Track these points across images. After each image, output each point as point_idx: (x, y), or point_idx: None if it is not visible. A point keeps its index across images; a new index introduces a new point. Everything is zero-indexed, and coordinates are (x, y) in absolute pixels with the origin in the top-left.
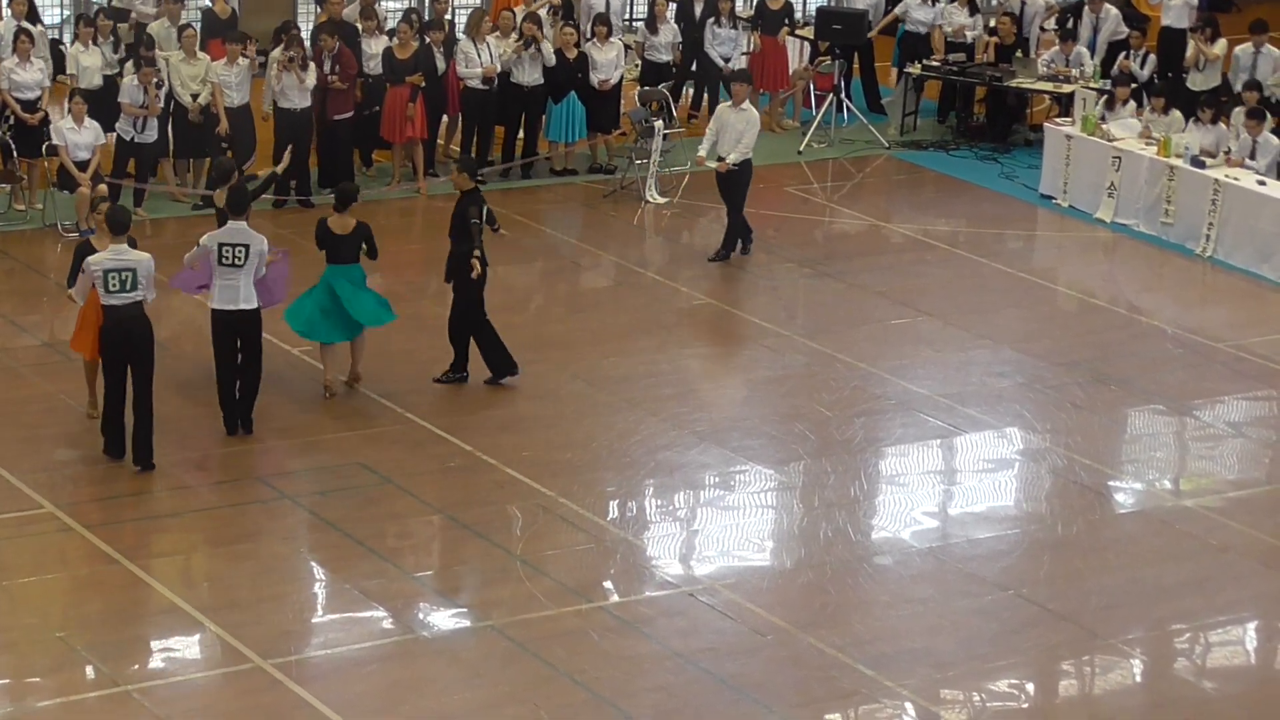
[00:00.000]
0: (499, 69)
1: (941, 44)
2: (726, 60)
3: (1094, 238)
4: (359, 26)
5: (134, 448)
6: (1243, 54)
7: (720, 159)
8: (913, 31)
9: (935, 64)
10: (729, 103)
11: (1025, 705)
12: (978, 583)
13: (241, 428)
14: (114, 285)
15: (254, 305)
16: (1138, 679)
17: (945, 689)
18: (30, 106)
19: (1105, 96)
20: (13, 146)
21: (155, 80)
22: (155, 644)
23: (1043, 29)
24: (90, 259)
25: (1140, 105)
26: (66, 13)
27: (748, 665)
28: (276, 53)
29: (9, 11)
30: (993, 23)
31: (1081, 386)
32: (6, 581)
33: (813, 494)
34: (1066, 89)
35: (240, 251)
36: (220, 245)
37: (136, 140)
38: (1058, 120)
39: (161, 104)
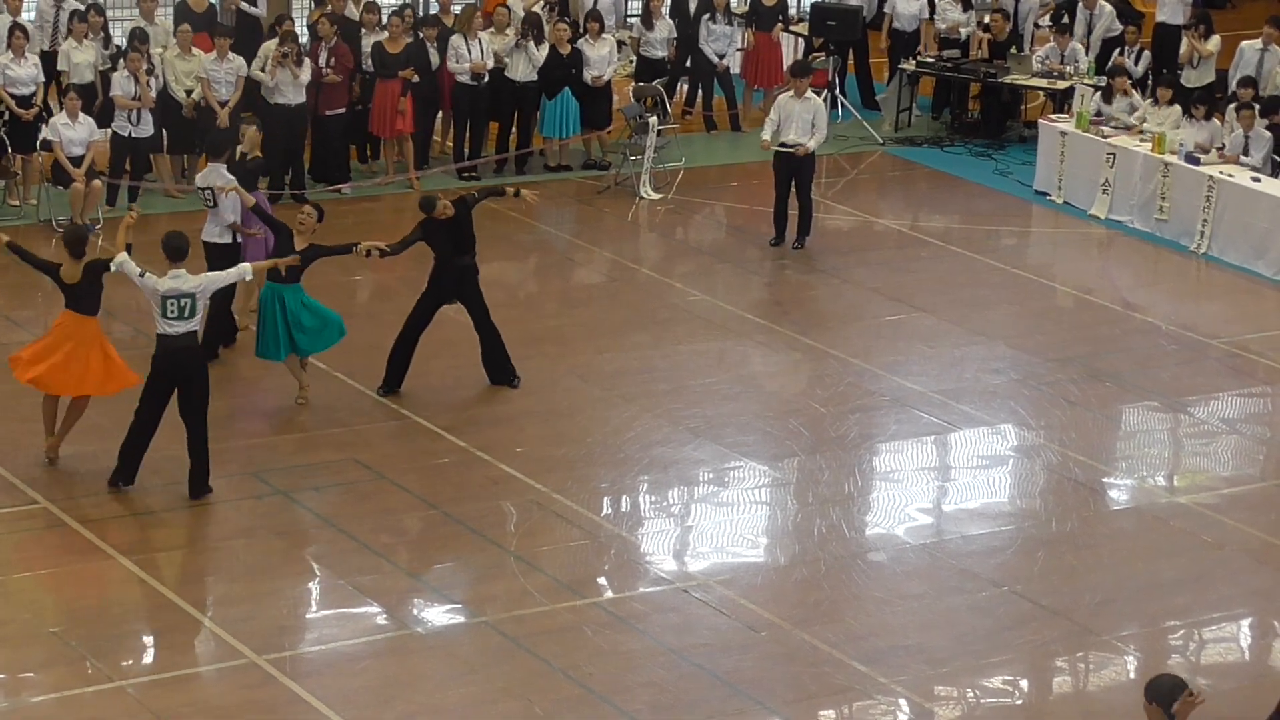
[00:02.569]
0: (490, 65)
1: (934, 39)
2: (721, 57)
3: (1088, 234)
4: (360, 21)
5: (191, 480)
6: (1248, 49)
7: (782, 144)
8: (899, 30)
9: (929, 60)
10: (790, 93)
11: (1019, 701)
12: (972, 579)
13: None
14: (173, 312)
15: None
16: (1131, 675)
17: (939, 685)
18: (25, 102)
19: (1103, 87)
20: (7, 142)
21: (145, 68)
22: (150, 639)
23: (1037, 25)
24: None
25: (1143, 96)
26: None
27: (742, 661)
28: (270, 47)
29: (3, 8)
30: (986, 19)
31: (1076, 383)
32: (1, 576)
33: (807, 490)
34: (1061, 85)
35: (209, 195)
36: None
37: (132, 135)
38: (1052, 117)
39: (154, 94)
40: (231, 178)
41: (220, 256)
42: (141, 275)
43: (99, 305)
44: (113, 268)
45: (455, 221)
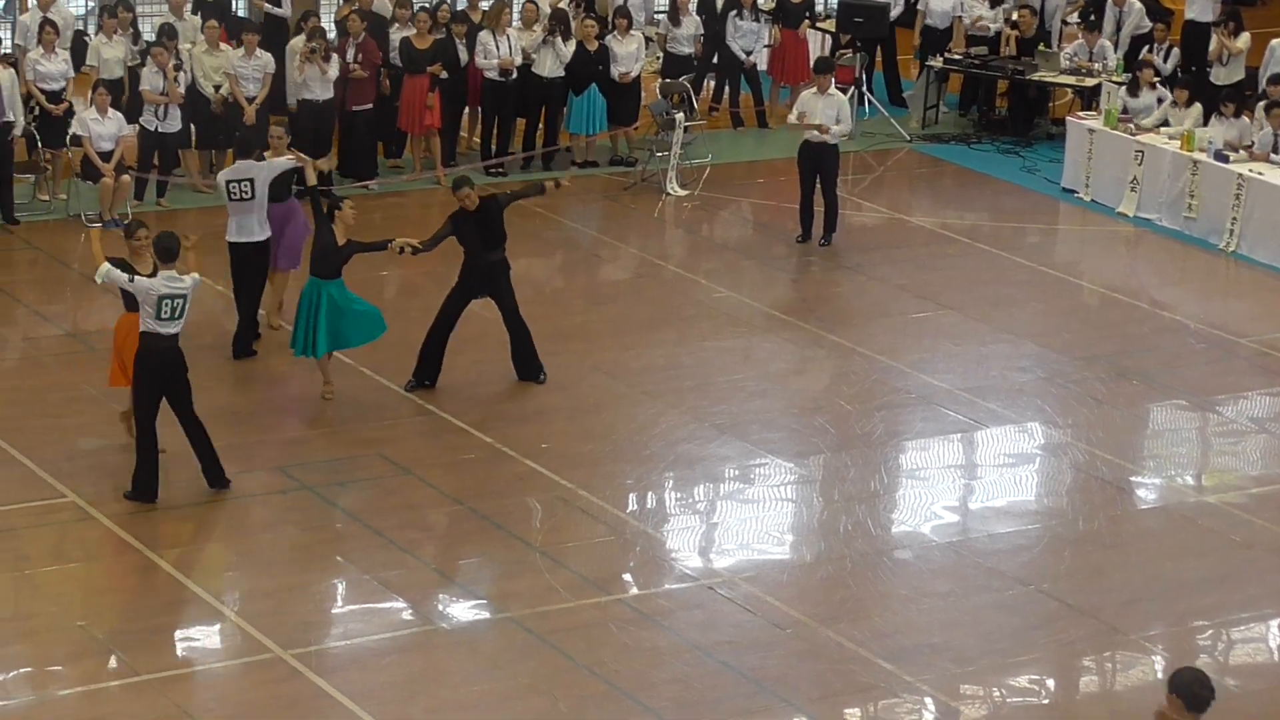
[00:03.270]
0: (518, 61)
1: (962, 37)
2: (748, 53)
3: (1116, 232)
4: (390, 16)
5: (205, 472)
6: (1279, 46)
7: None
8: (931, 26)
9: (957, 57)
10: (814, 90)
11: (1045, 701)
12: (998, 577)
13: (234, 354)
14: (166, 313)
15: (267, 236)
16: (1159, 675)
17: (965, 684)
18: (55, 97)
19: (1129, 80)
20: (37, 137)
21: (173, 64)
22: (175, 633)
23: (1065, 22)
24: (144, 282)
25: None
26: (91, 3)
27: (767, 658)
28: (298, 43)
29: (34, 3)
30: (1014, 16)
31: (1103, 381)
32: (28, 570)
33: (832, 488)
34: (1089, 83)
35: (247, 186)
36: (228, 182)
37: (160, 130)
38: (1080, 114)
39: (182, 89)
40: (267, 166)
41: (253, 255)
42: (131, 280)
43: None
44: (98, 279)
45: (484, 217)
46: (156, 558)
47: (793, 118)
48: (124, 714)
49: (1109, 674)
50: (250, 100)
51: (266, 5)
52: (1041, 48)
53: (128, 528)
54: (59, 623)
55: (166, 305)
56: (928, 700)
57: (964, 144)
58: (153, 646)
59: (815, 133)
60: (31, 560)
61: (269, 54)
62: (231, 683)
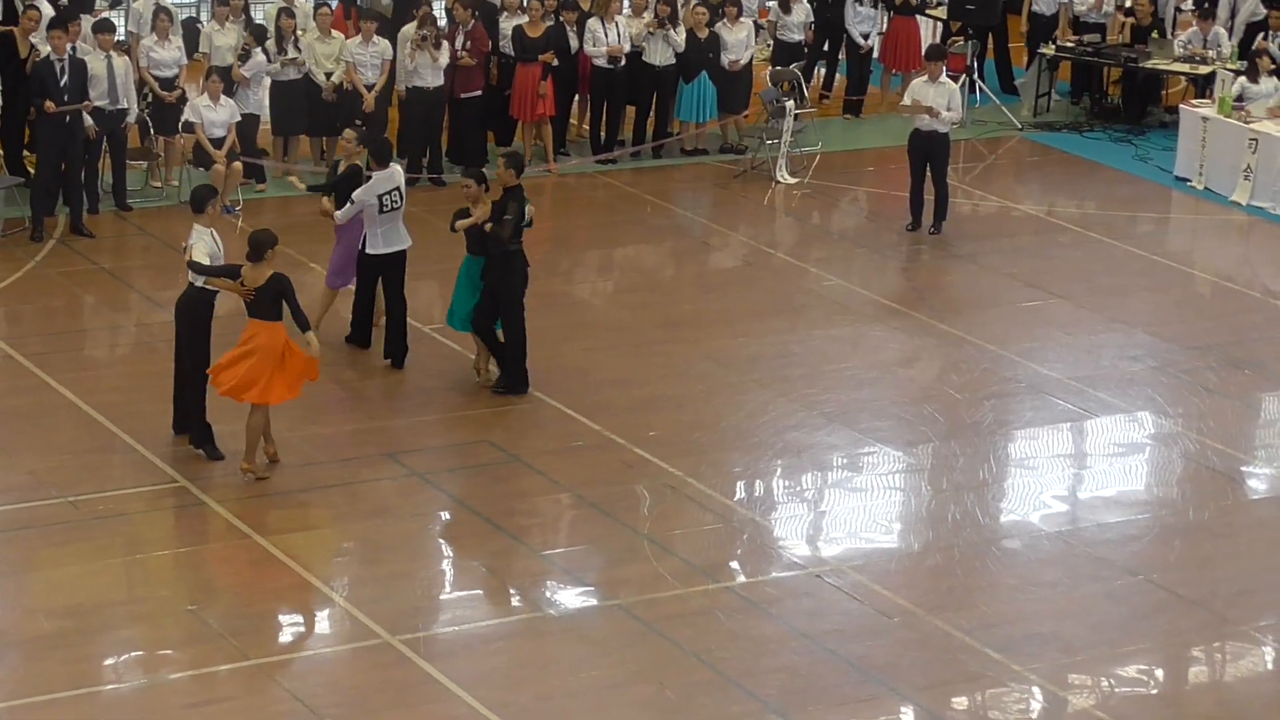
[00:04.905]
0: (628, 48)
1: (1067, 23)
2: (866, 38)
3: (1229, 221)
4: (499, 4)
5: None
6: None
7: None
8: (1038, 13)
9: (1069, 45)
10: (924, 78)
11: (1154, 691)
12: (1107, 567)
13: (392, 360)
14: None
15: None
16: (1269, 666)
17: (1073, 673)
18: (168, 84)
19: (1247, 67)
20: (150, 124)
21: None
22: (285, 618)
23: (1179, 9)
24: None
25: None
26: None
27: (874, 647)
28: (409, 30)
29: None
30: (1129, 3)
31: (1215, 371)
32: (140, 554)
33: (941, 476)
34: (1203, 70)
35: (396, 195)
36: (380, 196)
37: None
38: (1194, 102)
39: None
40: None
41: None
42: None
43: (281, 312)
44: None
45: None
46: (267, 543)
47: (906, 100)
48: (234, 698)
49: (1218, 665)
50: (369, 87)
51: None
52: (1155, 35)
53: (239, 513)
54: (170, 607)
55: None
56: (1035, 690)
57: (1076, 132)
58: (263, 631)
59: (926, 121)
60: (143, 545)
61: (386, 40)
62: (341, 668)
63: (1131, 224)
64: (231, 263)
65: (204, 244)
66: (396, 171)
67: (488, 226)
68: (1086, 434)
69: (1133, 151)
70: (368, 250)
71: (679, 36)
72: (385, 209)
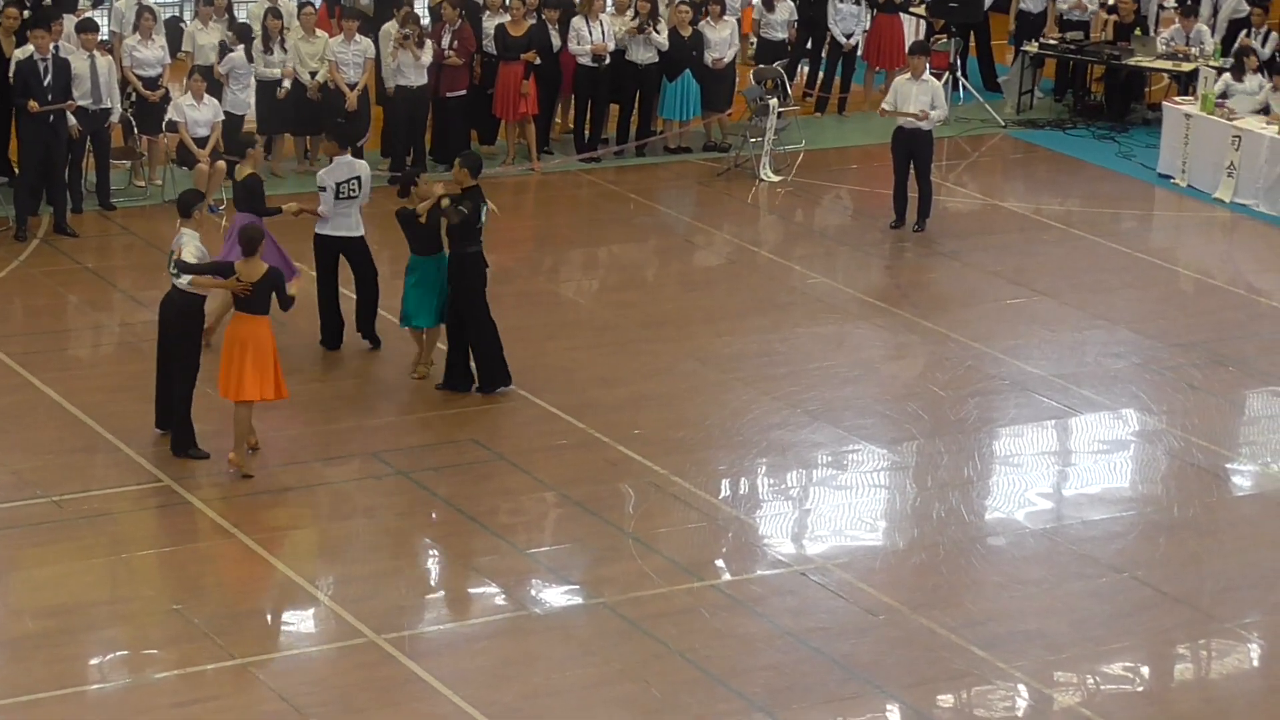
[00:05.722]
0: (612, 47)
1: (1054, 22)
2: (848, 36)
3: (1212, 218)
4: (482, 3)
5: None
6: None
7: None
8: (1026, 11)
9: (1052, 42)
10: (907, 75)
11: (1140, 688)
12: (1092, 564)
13: (369, 341)
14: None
15: (362, 232)
16: (1255, 663)
17: (1058, 671)
18: (151, 84)
19: (1233, 65)
20: (134, 123)
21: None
22: (270, 618)
23: (1162, 6)
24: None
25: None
26: None
27: (859, 645)
28: (391, 28)
29: None
30: (1111, 0)
31: (1199, 368)
32: (125, 554)
33: (926, 474)
34: (1186, 67)
35: (354, 184)
36: (337, 183)
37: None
38: (1177, 99)
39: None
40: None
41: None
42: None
43: (269, 305)
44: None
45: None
46: (252, 542)
47: (887, 104)
48: (219, 697)
49: (1204, 662)
50: (351, 86)
51: None
52: (1137, 32)
53: (223, 512)
54: (155, 606)
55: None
56: (1021, 687)
57: (1059, 129)
58: (248, 630)
59: (910, 119)
60: (128, 544)
61: (369, 39)
62: (326, 667)
63: (1115, 221)
64: (219, 261)
65: (193, 246)
66: (360, 164)
67: (444, 202)
68: (1071, 431)
69: (1116, 149)
70: (317, 231)
71: (661, 35)
72: (341, 195)
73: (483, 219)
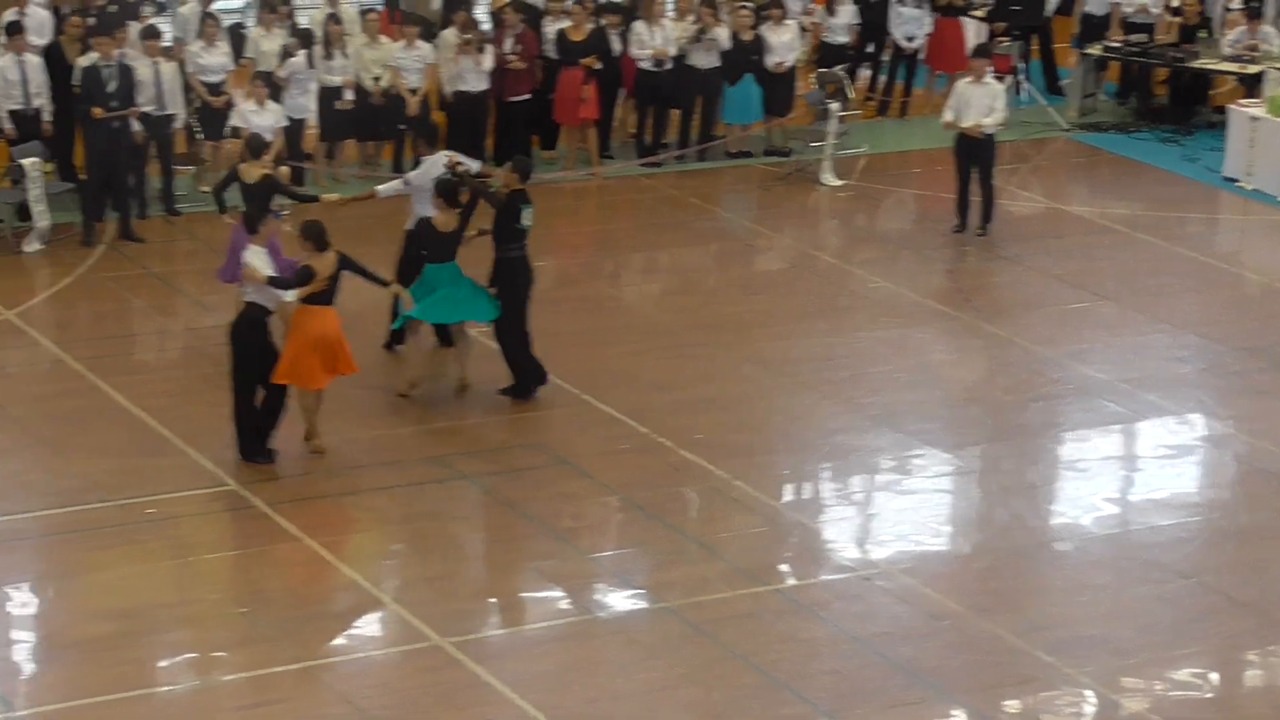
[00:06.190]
0: (673, 52)
1: (1118, 24)
2: (910, 40)
3: (1279, 221)
4: (543, 8)
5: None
6: None
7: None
8: (1090, 13)
9: (1115, 44)
10: (969, 79)
11: (1208, 695)
12: (1159, 570)
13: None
14: None
15: None
16: None
17: (1125, 676)
18: (215, 89)
19: None
20: (197, 129)
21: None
22: (335, 621)
23: (1228, 8)
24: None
25: None
26: None
27: (923, 650)
28: (451, 34)
29: None
30: (1175, 2)
31: (1265, 372)
32: (191, 557)
33: (989, 479)
34: (1252, 69)
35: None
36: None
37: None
38: (1242, 101)
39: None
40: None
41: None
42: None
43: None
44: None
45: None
46: (317, 545)
47: (948, 113)
48: (285, 700)
49: (1273, 668)
50: (413, 92)
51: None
52: (1202, 34)
53: (289, 516)
54: (221, 609)
55: None
56: (1087, 693)
57: (1122, 132)
58: (313, 633)
59: (972, 129)
60: (194, 548)
61: (429, 45)
62: (390, 670)
63: (1179, 225)
64: (288, 267)
65: (262, 261)
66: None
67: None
68: (1136, 436)
69: (1180, 152)
70: (408, 228)
71: (723, 34)
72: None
73: (524, 221)
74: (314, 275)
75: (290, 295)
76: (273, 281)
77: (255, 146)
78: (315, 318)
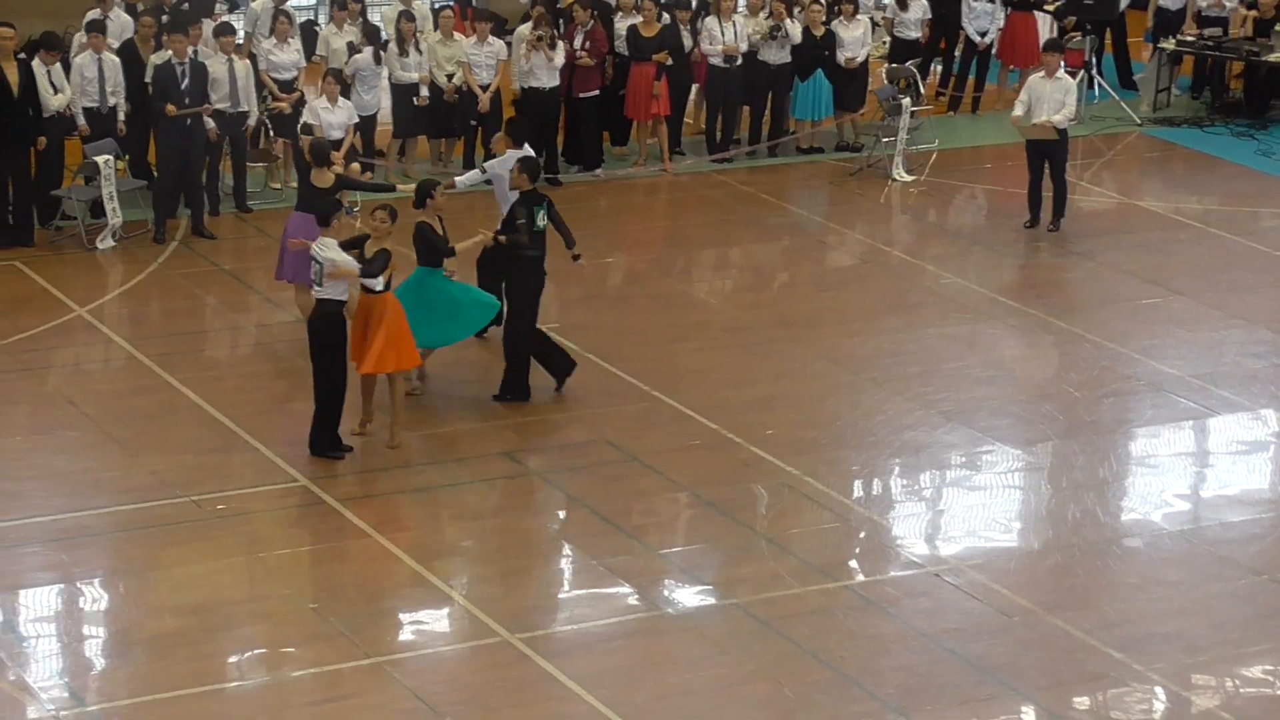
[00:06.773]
0: (744, 47)
1: (1193, 18)
2: (982, 35)
3: None
4: (614, 4)
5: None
6: None
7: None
8: (1164, 8)
9: (1189, 39)
10: (1041, 73)
11: (1279, 692)
12: (1231, 566)
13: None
14: (314, 276)
15: None
16: None
17: (1196, 673)
18: (287, 87)
19: None
20: (269, 126)
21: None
22: (405, 616)
23: None
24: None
25: None
26: None
27: (994, 646)
28: (524, 31)
29: None
30: None
31: None
32: (262, 553)
33: (1060, 475)
34: None
35: None
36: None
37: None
38: None
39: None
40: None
41: None
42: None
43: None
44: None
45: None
46: (386, 541)
47: (1019, 108)
48: (355, 695)
49: None
50: (484, 88)
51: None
52: (1278, 28)
53: (358, 512)
54: (292, 605)
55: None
56: (1158, 690)
57: (1196, 127)
58: (383, 629)
59: (1042, 117)
60: (265, 544)
61: (501, 41)
62: (460, 665)
63: (1254, 220)
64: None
65: (335, 252)
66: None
67: (501, 239)
68: (1208, 432)
69: (1255, 146)
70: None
71: (795, 29)
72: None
73: (539, 222)
74: (391, 258)
75: (379, 283)
76: (364, 272)
77: (319, 155)
78: (393, 304)
